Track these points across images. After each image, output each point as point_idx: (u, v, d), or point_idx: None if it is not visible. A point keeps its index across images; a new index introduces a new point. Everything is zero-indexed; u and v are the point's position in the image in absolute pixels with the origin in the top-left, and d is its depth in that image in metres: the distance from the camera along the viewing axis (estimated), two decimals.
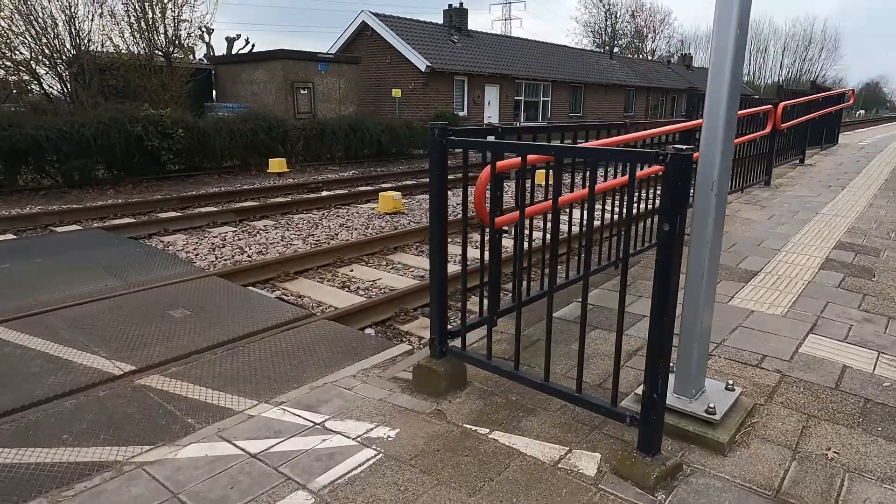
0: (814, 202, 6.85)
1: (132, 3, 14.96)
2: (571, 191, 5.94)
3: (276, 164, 12.35)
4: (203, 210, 8.86)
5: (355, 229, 7.81)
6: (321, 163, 14.65)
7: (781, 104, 6.88)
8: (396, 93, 18.62)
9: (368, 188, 11.37)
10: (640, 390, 2.58)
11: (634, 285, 4.19)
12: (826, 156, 12.11)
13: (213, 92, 19.19)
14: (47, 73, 15.08)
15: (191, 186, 11.38)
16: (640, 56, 55.29)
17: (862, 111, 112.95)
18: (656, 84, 35.45)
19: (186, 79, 15.74)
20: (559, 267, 3.79)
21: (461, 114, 20.79)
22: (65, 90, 15.14)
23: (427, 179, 12.47)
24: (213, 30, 23.48)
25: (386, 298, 4.65)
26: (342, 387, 3.02)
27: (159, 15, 15.09)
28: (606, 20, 61.02)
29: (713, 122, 2.30)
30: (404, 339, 4.31)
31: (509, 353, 2.84)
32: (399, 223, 8.18)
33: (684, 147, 1.88)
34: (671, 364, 2.40)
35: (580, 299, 3.30)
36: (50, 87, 15.29)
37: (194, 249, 6.67)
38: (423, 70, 19.88)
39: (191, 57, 16.64)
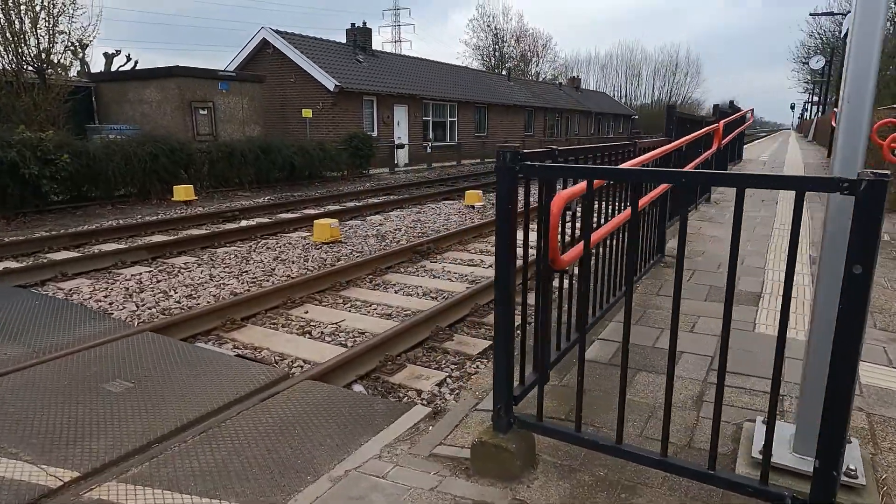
0: (761, 217, 7.06)
1: None
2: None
3: (183, 192, 11.10)
4: (106, 248, 7.63)
5: (293, 262, 7.01)
6: (230, 188, 13.46)
7: (722, 122, 7.05)
8: (307, 113, 17.72)
9: (292, 215, 10.50)
10: (755, 452, 2.22)
11: (646, 316, 3.88)
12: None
13: (95, 113, 17.22)
14: None
15: (81, 220, 9.89)
16: (527, 78, 57.67)
17: None
18: (552, 105, 36.95)
19: (64, 97, 13.92)
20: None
21: (372, 134, 20.23)
22: None
23: (353, 204, 12.03)
24: (87, 44, 21.12)
25: (367, 347, 4.02)
26: (372, 474, 2.40)
27: (29, 26, 13.25)
28: (494, 44, 63.30)
29: (853, 142, 1.98)
30: (400, 394, 3.70)
31: (563, 412, 2.34)
32: (341, 254, 7.48)
33: (879, 171, 1.53)
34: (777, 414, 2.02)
35: (599, 336, 2.99)
36: None
37: (106, 297, 5.59)
38: (331, 90, 19.13)
39: (64, 74, 14.75)
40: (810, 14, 35.91)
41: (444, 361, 4.21)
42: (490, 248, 7.82)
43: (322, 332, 4.74)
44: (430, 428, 2.86)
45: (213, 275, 6.43)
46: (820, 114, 32.39)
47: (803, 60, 50.07)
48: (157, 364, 3.65)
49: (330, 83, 19.07)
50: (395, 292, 5.84)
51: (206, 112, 15.88)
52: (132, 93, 16.35)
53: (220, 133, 16.18)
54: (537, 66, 71.62)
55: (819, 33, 47.57)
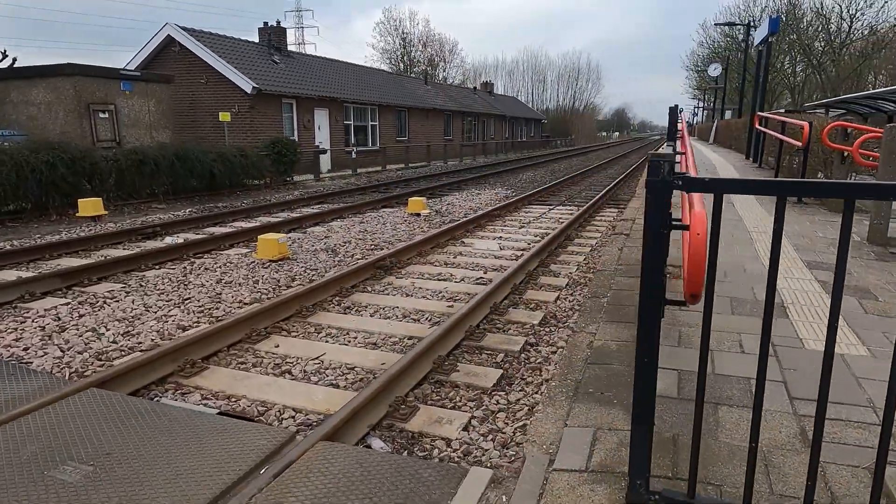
0: (730, 219, 7.08)
1: None
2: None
3: (90, 206, 9.71)
4: (6, 276, 6.38)
5: (240, 285, 6.17)
6: (141, 200, 12.07)
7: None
8: (225, 116, 16.37)
9: (223, 229, 9.49)
10: None
11: (683, 337, 3.56)
12: None
13: None
14: None
15: None
16: (442, 82, 57.79)
17: (616, 133, 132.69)
18: (469, 109, 37.09)
19: None
20: None
21: (294, 139, 19.14)
22: None
23: (287, 215, 11.04)
24: None
25: (375, 391, 3.41)
26: None
27: None
28: (403, 48, 62.99)
29: None
30: (426, 445, 3.14)
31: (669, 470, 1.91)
32: (293, 272, 6.70)
33: None
34: None
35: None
36: None
37: (17, 340, 4.56)
38: (248, 92, 17.85)
39: None
40: (715, 24, 38.37)
41: (458, 398, 3.68)
42: (454, 259, 7.35)
43: (304, 371, 4.05)
44: (505, 499, 2.34)
45: (149, 304, 5.49)
46: (715, 118, 34.70)
47: (696, 69, 53.78)
48: (118, 434, 2.86)
49: (247, 85, 17.79)
50: (371, 315, 5.22)
51: (106, 115, 14.22)
52: (15, 93, 14.34)
53: (125, 139, 14.56)
54: (444, 70, 72.13)
55: (709, 43, 51.28)
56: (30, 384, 3.53)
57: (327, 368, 4.09)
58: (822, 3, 42.06)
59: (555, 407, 2.96)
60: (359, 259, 7.42)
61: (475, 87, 46.99)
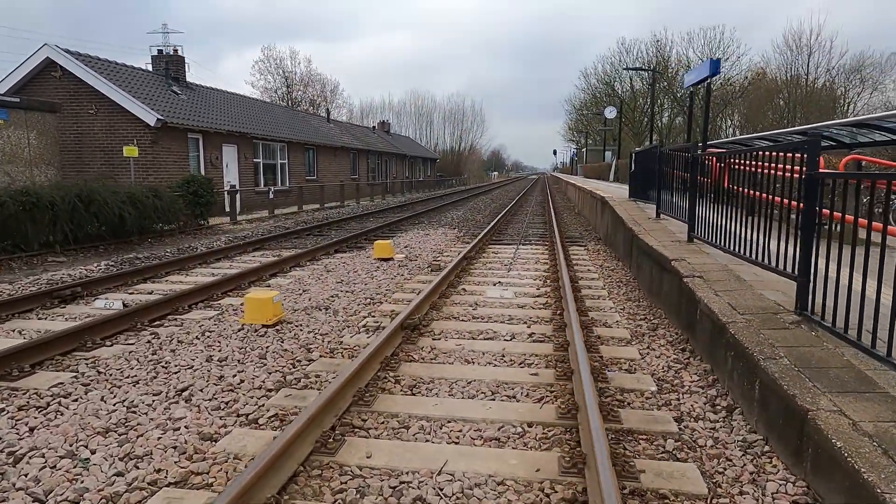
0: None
1: None
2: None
3: None
4: None
5: (242, 362, 4.67)
6: (34, 253, 9.69)
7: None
8: (131, 151, 13.98)
9: (162, 286, 7.70)
10: None
11: None
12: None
13: None
14: None
15: None
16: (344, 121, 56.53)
17: (495, 172, 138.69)
18: (373, 148, 36.24)
19: None
20: None
21: (209, 178, 17.02)
22: None
23: (230, 265, 9.17)
24: None
25: None
26: None
27: None
28: (287, 86, 60.99)
29: None
30: None
31: None
32: (304, 340, 5.28)
33: None
34: None
35: None
36: None
37: None
38: (152, 125, 15.56)
39: None
40: (625, 69, 41.04)
41: None
42: (476, 311, 6.30)
43: (445, 497, 2.82)
44: None
45: (131, 402, 3.88)
46: (612, 158, 36.80)
47: (580, 112, 57.40)
48: None
49: (150, 117, 15.51)
50: (449, 395, 4.04)
51: None
52: None
53: None
54: (327, 111, 70.79)
55: (590, 89, 55.07)
56: None
57: (473, 488, 2.88)
58: (687, 56, 46.86)
59: None
60: (365, 317, 6.13)
61: (373, 127, 46.33)
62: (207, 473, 3.00)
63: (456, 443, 3.38)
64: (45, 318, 6.11)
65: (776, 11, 78.47)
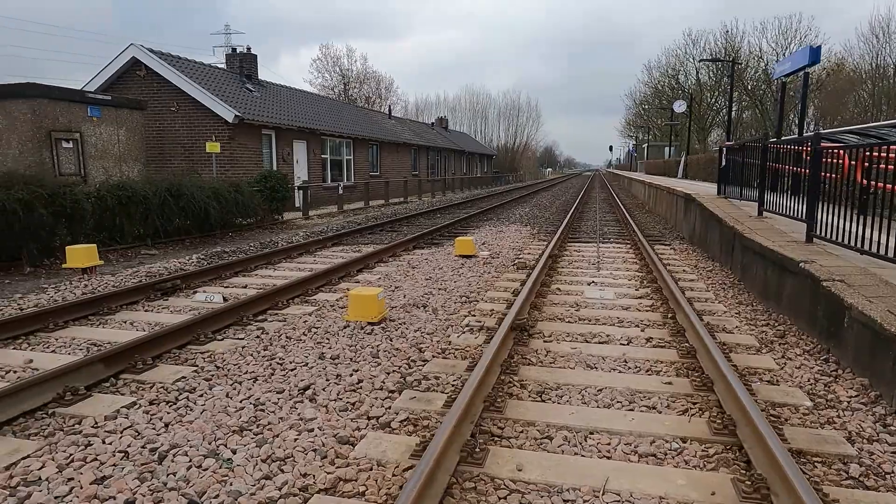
0: None
1: None
2: None
3: (82, 255, 7.62)
4: (11, 361, 4.47)
5: (355, 360, 4.56)
6: (127, 246, 10.00)
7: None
8: (213, 147, 14.38)
9: (252, 280, 7.77)
10: None
11: None
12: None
13: None
14: None
15: None
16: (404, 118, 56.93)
17: (549, 169, 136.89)
18: (432, 144, 36.21)
19: None
20: None
21: (284, 173, 17.33)
22: None
23: (314, 260, 9.22)
24: None
25: None
26: None
27: None
28: (344, 84, 61.69)
29: None
30: None
31: None
32: (413, 339, 5.13)
33: None
34: None
35: None
36: None
37: (97, 493, 2.81)
38: (230, 121, 15.95)
39: None
40: (700, 60, 39.63)
41: None
42: (579, 313, 6.00)
43: None
44: None
45: (257, 399, 3.80)
46: (674, 153, 35.45)
47: (642, 106, 55.71)
48: None
49: (228, 114, 15.90)
50: (582, 402, 3.79)
51: (71, 145, 12.02)
52: None
53: (91, 172, 12.37)
54: (381, 108, 71.37)
55: (652, 82, 53.37)
56: None
57: None
58: (760, 48, 44.68)
59: None
60: (466, 316, 5.94)
61: (432, 123, 46.33)
62: (356, 481, 2.86)
63: (608, 457, 3.13)
64: (151, 311, 6.21)
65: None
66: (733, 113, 49.69)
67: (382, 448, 3.18)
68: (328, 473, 2.91)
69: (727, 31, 46.14)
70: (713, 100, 48.94)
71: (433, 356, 4.72)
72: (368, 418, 3.57)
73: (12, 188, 7.69)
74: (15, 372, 4.32)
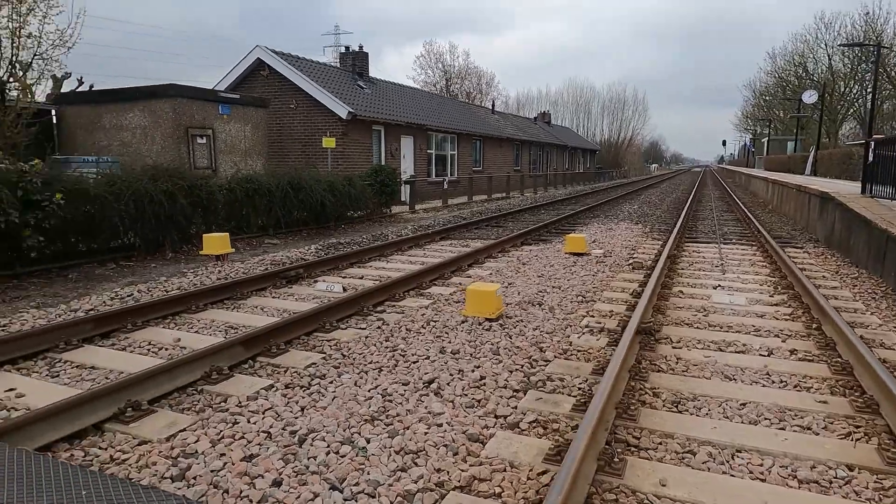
0: None
1: None
2: None
3: (217, 243, 8.25)
4: (161, 339, 4.87)
5: (474, 356, 4.52)
6: (251, 235, 10.69)
7: None
8: (329, 142, 15.11)
9: (367, 271, 8.00)
10: None
11: None
12: None
13: (56, 141, 14.01)
14: None
15: (81, 287, 6.98)
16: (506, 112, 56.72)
17: (655, 165, 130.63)
18: (535, 139, 35.71)
19: (28, 120, 10.84)
20: None
21: (393, 168, 17.82)
22: None
23: (424, 253, 9.42)
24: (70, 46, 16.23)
25: None
26: None
27: None
28: (445, 80, 62.05)
29: None
30: None
31: None
32: (532, 338, 5.03)
33: None
34: None
35: None
36: None
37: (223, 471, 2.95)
38: (344, 118, 16.63)
39: (29, 92, 11.66)
40: (840, 45, 36.43)
41: None
42: (707, 318, 5.59)
43: None
44: None
45: (384, 389, 3.86)
46: (799, 148, 32.50)
47: (763, 97, 51.64)
48: None
49: (342, 110, 16.58)
50: (724, 417, 3.49)
51: (204, 141, 13.05)
52: (108, 118, 13.31)
53: (221, 166, 13.36)
54: (481, 103, 71.09)
55: (776, 71, 49.31)
56: None
57: None
58: None
59: None
60: (584, 317, 5.73)
61: (534, 118, 45.71)
62: (490, 481, 2.81)
63: (763, 480, 2.86)
64: (278, 297, 6.54)
65: None
66: (869, 104, 44.75)
67: (513, 449, 3.11)
68: (462, 471, 2.88)
69: (867, 13, 41.60)
70: (846, 89, 44.36)
71: (555, 356, 4.59)
72: (496, 417, 3.52)
73: (158, 180, 8.45)
74: (166, 349, 4.70)
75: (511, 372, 4.23)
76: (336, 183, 12.33)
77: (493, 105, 36.63)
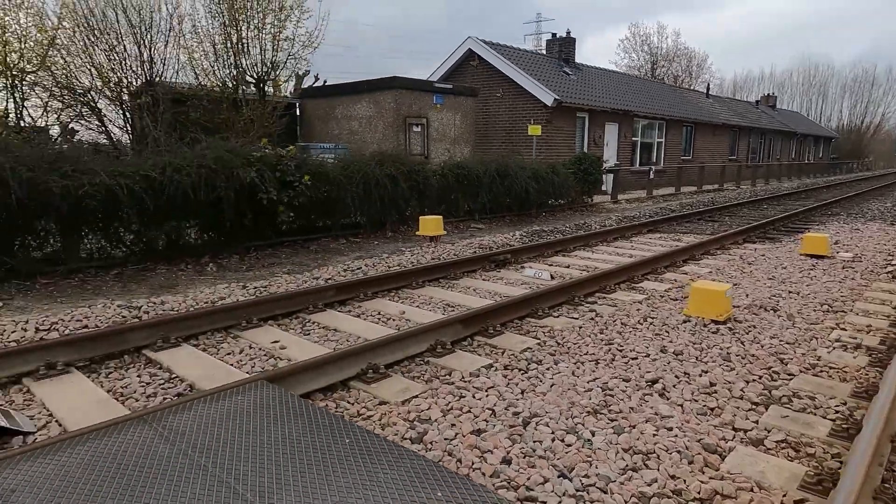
0: None
1: (219, 20, 12.01)
2: None
3: (431, 225, 8.84)
4: (389, 310, 5.33)
5: (701, 360, 4.16)
6: (459, 219, 11.20)
7: None
8: (535, 130, 15.29)
9: (573, 260, 7.85)
10: None
11: None
12: None
13: (298, 130, 16.14)
14: (108, 104, 12.09)
15: (319, 257, 7.97)
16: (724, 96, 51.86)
17: None
18: (755, 125, 31.93)
19: (281, 112, 12.62)
20: None
21: (597, 156, 17.37)
22: (128, 126, 12.13)
23: (632, 245, 8.94)
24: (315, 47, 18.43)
25: None
26: None
27: (253, 33, 12.06)
28: (651, 63, 57.83)
29: None
30: None
31: None
32: (769, 347, 4.51)
33: None
34: None
35: None
36: (111, 121, 12.25)
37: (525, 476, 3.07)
38: (549, 105, 16.60)
39: (279, 87, 13.56)
40: None
41: None
42: None
43: None
44: None
45: (603, 382, 3.74)
46: None
47: None
48: None
49: (548, 97, 16.54)
50: None
51: (419, 129, 13.99)
52: (339, 108, 14.95)
53: (432, 152, 14.20)
54: (690, 86, 64.79)
55: None
56: None
57: None
58: None
59: None
60: (833, 329, 4.95)
61: (756, 101, 40.85)
62: (735, 499, 2.56)
63: None
64: (488, 280, 6.75)
65: None
66: None
67: (759, 468, 2.80)
68: (701, 482, 2.67)
69: None
70: None
71: (800, 371, 4.04)
72: (734, 429, 3.20)
73: (384, 165, 9.25)
74: (394, 320, 5.13)
75: (747, 382, 3.82)
76: (540, 170, 12.34)
77: (708, 88, 33.46)
